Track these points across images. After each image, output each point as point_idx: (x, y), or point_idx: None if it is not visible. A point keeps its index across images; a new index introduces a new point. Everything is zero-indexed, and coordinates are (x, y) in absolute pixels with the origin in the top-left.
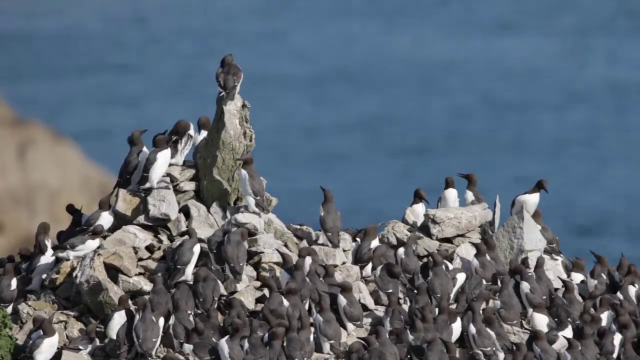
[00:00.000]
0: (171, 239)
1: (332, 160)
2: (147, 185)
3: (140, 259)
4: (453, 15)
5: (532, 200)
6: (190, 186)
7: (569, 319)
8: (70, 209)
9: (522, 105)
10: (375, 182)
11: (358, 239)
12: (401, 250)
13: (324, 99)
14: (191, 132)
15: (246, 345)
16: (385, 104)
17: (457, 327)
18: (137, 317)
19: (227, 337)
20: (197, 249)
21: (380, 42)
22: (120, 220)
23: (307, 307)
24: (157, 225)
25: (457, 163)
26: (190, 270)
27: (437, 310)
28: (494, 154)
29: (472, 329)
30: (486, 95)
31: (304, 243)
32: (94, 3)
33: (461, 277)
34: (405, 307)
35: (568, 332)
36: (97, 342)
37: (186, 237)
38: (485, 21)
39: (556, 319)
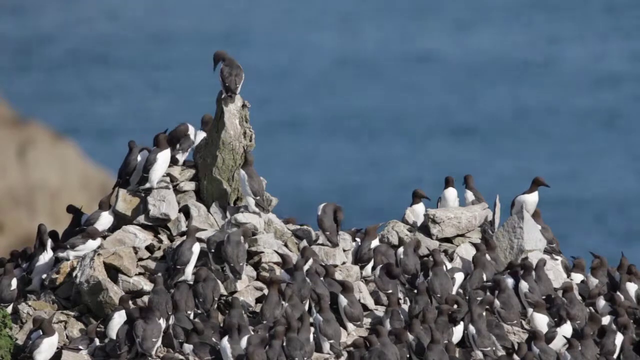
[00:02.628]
0: (171, 239)
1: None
2: (147, 185)
3: (140, 259)
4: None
5: (531, 199)
6: (190, 186)
7: (570, 319)
8: (71, 209)
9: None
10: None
11: (358, 239)
12: (401, 250)
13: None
14: (191, 133)
15: (244, 343)
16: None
17: (458, 329)
18: (138, 316)
19: (226, 337)
20: (196, 248)
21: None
22: (120, 220)
23: (307, 307)
24: (157, 225)
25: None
26: (190, 270)
27: (437, 310)
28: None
29: (472, 329)
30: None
31: (304, 243)
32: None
33: (459, 277)
34: (405, 307)
35: (567, 328)
36: (97, 342)
37: (185, 237)
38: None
39: (556, 319)
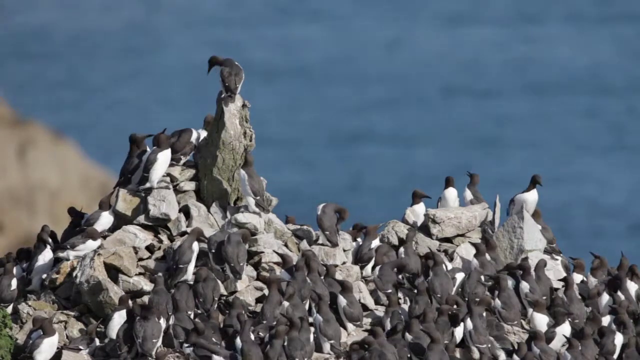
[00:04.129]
0: (171, 239)
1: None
2: (147, 185)
3: (140, 259)
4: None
5: (531, 198)
6: (190, 186)
7: (569, 319)
8: (72, 211)
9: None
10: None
11: (358, 239)
12: (402, 250)
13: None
14: (194, 139)
15: (239, 344)
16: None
17: (458, 329)
18: (137, 317)
19: (219, 347)
20: (195, 247)
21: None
22: (121, 220)
23: (307, 307)
24: (157, 225)
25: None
26: (191, 269)
27: (437, 310)
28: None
29: (469, 324)
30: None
31: (304, 243)
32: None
33: (460, 277)
34: (405, 307)
35: (565, 327)
36: (97, 342)
37: (185, 236)
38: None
39: (555, 319)
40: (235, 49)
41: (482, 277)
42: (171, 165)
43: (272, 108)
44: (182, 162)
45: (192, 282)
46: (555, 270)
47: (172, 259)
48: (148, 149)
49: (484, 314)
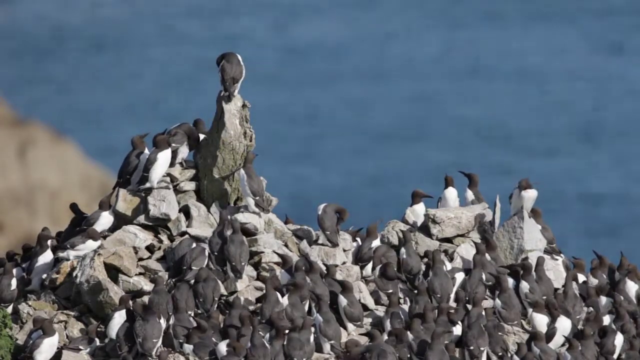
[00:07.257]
0: (171, 239)
1: None
2: (147, 185)
3: (141, 259)
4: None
5: (531, 195)
6: (190, 186)
7: (564, 315)
8: (74, 208)
9: None
10: None
11: (358, 239)
12: (403, 250)
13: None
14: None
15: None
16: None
17: (458, 329)
18: (138, 317)
19: (224, 347)
20: (204, 248)
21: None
22: (121, 220)
23: (307, 307)
24: (157, 225)
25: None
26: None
27: (437, 311)
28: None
29: (465, 324)
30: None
31: (304, 243)
32: None
33: (460, 277)
34: (405, 307)
35: (563, 322)
36: (97, 342)
37: (186, 237)
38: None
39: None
40: None
41: (484, 277)
42: (171, 165)
43: None
44: (178, 159)
45: (192, 282)
46: (555, 270)
47: (179, 260)
48: (147, 150)
49: (483, 313)
